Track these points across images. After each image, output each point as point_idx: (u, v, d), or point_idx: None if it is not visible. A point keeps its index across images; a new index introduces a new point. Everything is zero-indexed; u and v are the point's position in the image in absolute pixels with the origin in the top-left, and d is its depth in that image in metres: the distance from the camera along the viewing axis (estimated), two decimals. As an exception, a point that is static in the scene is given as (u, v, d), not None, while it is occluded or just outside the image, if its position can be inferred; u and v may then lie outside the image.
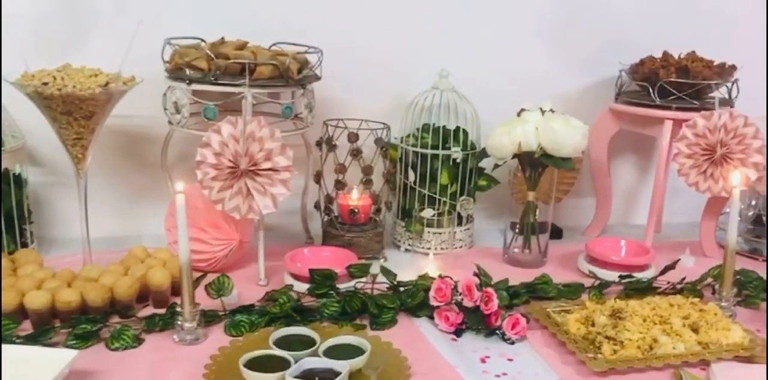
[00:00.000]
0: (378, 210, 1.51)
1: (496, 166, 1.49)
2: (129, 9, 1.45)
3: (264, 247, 1.34)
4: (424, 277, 1.29)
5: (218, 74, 1.28)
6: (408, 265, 1.41)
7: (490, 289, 1.18)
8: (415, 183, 1.53)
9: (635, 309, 1.17)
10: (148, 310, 1.19)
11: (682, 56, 1.58)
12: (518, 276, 1.35)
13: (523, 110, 1.45)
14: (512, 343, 1.15)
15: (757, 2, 1.74)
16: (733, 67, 1.55)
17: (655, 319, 1.15)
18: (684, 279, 1.35)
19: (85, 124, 1.21)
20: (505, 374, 1.06)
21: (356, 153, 1.43)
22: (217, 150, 1.23)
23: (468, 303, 1.18)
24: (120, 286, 1.17)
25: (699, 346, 1.11)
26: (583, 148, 1.44)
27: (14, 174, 1.36)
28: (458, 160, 1.51)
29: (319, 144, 1.46)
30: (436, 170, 1.51)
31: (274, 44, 1.44)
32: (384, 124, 1.47)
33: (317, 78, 1.41)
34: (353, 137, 1.42)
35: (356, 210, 1.46)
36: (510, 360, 1.10)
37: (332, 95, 1.55)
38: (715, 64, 1.55)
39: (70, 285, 1.17)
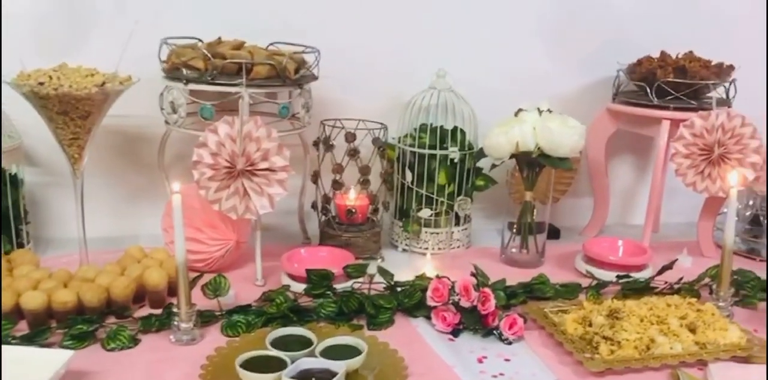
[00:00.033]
0: (375, 211, 1.51)
1: (494, 166, 1.49)
2: (129, 9, 1.44)
3: (261, 247, 1.34)
4: (421, 277, 1.29)
5: (215, 74, 1.28)
6: (405, 265, 1.41)
7: (487, 289, 1.18)
8: (412, 183, 1.53)
9: (632, 309, 1.17)
10: (145, 310, 1.19)
11: (679, 56, 1.58)
12: (516, 276, 1.34)
13: (520, 110, 1.45)
14: (509, 343, 1.15)
15: (755, 2, 1.75)
16: (731, 67, 1.55)
17: (652, 319, 1.15)
18: (681, 279, 1.35)
19: (81, 124, 1.21)
20: (502, 374, 1.06)
21: (353, 153, 1.43)
22: (213, 150, 1.22)
23: (465, 303, 1.18)
24: (116, 286, 1.16)
25: (696, 346, 1.11)
26: (581, 148, 1.44)
27: (10, 174, 1.35)
28: (456, 160, 1.51)
29: (316, 144, 1.46)
30: (434, 170, 1.51)
31: (272, 44, 1.44)
32: (381, 124, 1.46)
33: (314, 78, 1.41)
34: (350, 137, 1.42)
35: (353, 211, 1.46)
36: (507, 360, 1.10)
37: (330, 95, 1.55)
38: (712, 64, 1.55)
39: (66, 285, 1.17)
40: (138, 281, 1.20)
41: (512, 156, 1.43)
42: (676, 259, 1.41)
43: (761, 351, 1.11)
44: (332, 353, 1.02)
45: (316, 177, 1.47)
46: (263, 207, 1.26)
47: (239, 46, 1.37)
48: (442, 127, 1.54)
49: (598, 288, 1.33)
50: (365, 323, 1.19)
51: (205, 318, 1.15)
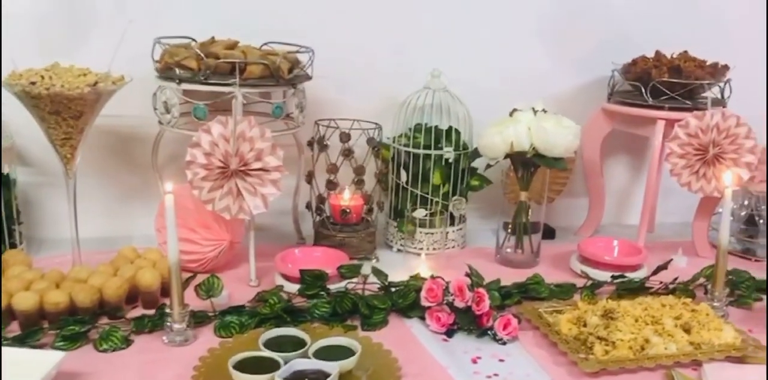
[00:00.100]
0: (370, 211, 1.50)
1: (489, 166, 1.48)
2: (128, 9, 1.44)
3: (255, 248, 1.34)
4: (416, 278, 1.29)
5: (208, 74, 1.27)
6: (400, 266, 1.41)
7: (481, 290, 1.18)
8: (407, 183, 1.52)
9: (627, 309, 1.17)
10: (138, 311, 1.19)
11: (674, 56, 1.58)
12: (511, 277, 1.34)
13: (515, 110, 1.45)
14: (504, 344, 1.15)
15: (750, 2, 1.75)
16: (726, 67, 1.55)
17: (647, 319, 1.15)
18: (676, 279, 1.34)
19: (73, 124, 1.20)
20: (496, 375, 1.05)
21: (348, 153, 1.42)
22: (207, 150, 1.22)
23: (459, 303, 1.17)
24: (109, 287, 1.16)
25: (691, 347, 1.10)
26: (576, 148, 1.44)
27: (3, 174, 1.34)
28: (450, 160, 1.50)
29: (310, 144, 1.46)
30: (429, 170, 1.51)
31: (265, 44, 1.44)
32: (376, 123, 1.46)
33: (308, 77, 1.40)
34: (345, 137, 1.41)
35: (348, 211, 1.45)
36: (501, 360, 1.10)
37: (324, 95, 1.55)
38: (707, 63, 1.55)
39: (58, 286, 1.16)
40: (131, 282, 1.20)
41: (507, 156, 1.43)
42: (671, 259, 1.41)
43: (756, 352, 1.11)
44: (326, 354, 1.02)
45: (310, 177, 1.47)
46: (257, 208, 1.26)
47: (232, 45, 1.37)
48: (436, 126, 1.53)
49: (592, 289, 1.32)
50: (359, 324, 1.18)
51: (198, 319, 1.15)
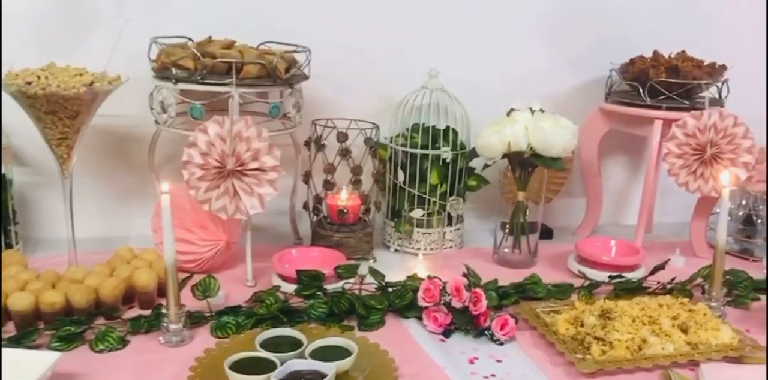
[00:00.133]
0: (367, 211, 1.50)
1: (486, 165, 1.48)
2: (128, 9, 1.44)
3: (252, 248, 1.33)
4: (413, 278, 1.29)
5: (205, 73, 1.27)
6: (397, 266, 1.40)
7: (478, 290, 1.18)
8: (404, 183, 1.52)
9: (624, 309, 1.17)
10: (134, 312, 1.19)
11: (672, 56, 1.58)
12: (508, 277, 1.34)
13: (512, 110, 1.44)
14: (501, 344, 1.14)
15: (747, 2, 1.75)
16: (723, 67, 1.55)
17: (644, 320, 1.14)
18: (674, 279, 1.34)
19: (69, 124, 1.20)
20: (493, 375, 1.05)
21: (345, 153, 1.42)
22: (203, 150, 1.21)
23: (456, 303, 1.17)
24: (105, 287, 1.15)
25: (688, 347, 1.10)
26: (573, 147, 1.44)
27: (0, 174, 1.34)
28: (448, 160, 1.50)
29: (307, 144, 1.46)
30: (426, 170, 1.51)
31: (262, 43, 1.43)
32: (373, 123, 1.46)
33: (305, 77, 1.40)
34: (342, 137, 1.41)
35: (345, 211, 1.45)
36: (499, 361, 1.10)
37: (321, 95, 1.54)
38: (705, 63, 1.55)
39: (54, 286, 1.16)
40: (127, 282, 1.20)
41: (504, 156, 1.43)
42: (669, 259, 1.40)
43: (753, 352, 1.11)
44: (322, 354, 1.02)
45: (307, 177, 1.47)
46: (253, 208, 1.26)
47: (229, 45, 1.36)
48: (434, 126, 1.53)
49: (590, 289, 1.32)
50: (356, 324, 1.18)
51: (194, 320, 1.14)
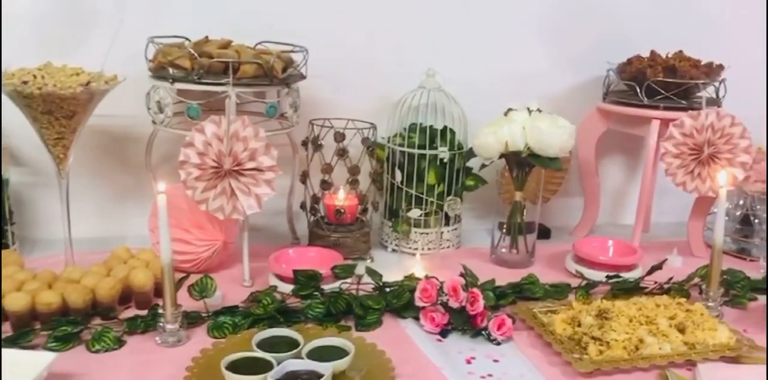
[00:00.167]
0: (365, 211, 1.50)
1: (483, 165, 1.48)
2: (128, 10, 1.43)
3: (249, 248, 1.33)
4: (410, 278, 1.29)
5: (202, 73, 1.27)
6: (395, 266, 1.40)
7: (476, 290, 1.17)
8: (402, 183, 1.52)
9: (621, 309, 1.17)
10: (131, 312, 1.18)
11: (669, 56, 1.58)
12: (506, 277, 1.34)
13: (510, 110, 1.44)
14: (498, 344, 1.14)
15: (745, 2, 1.75)
16: (721, 67, 1.55)
17: (641, 320, 1.14)
18: (671, 279, 1.34)
19: (66, 124, 1.20)
20: (490, 375, 1.05)
21: (343, 153, 1.42)
22: (200, 149, 1.21)
23: (454, 303, 1.17)
24: (102, 287, 1.15)
25: (685, 347, 1.10)
26: (571, 147, 1.44)
27: (-3, 174, 1.34)
28: (445, 160, 1.50)
29: (305, 143, 1.45)
30: (423, 170, 1.51)
31: (259, 43, 1.43)
32: (371, 123, 1.46)
33: (302, 77, 1.40)
34: (339, 137, 1.41)
35: (342, 211, 1.45)
36: (496, 361, 1.10)
37: (318, 94, 1.54)
38: (702, 63, 1.55)
39: (51, 286, 1.15)
40: (124, 282, 1.19)
41: (502, 156, 1.43)
42: (666, 259, 1.40)
43: (750, 352, 1.11)
44: (319, 354, 1.01)
45: (304, 177, 1.47)
46: (250, 208, 1.25)
47: (226, 45, 1.36)
48: (431, 126, 1.53)
49: (587, 289, 1.32)
50: (353, 324, 1.18)
51: (191, 320, 1.14)
